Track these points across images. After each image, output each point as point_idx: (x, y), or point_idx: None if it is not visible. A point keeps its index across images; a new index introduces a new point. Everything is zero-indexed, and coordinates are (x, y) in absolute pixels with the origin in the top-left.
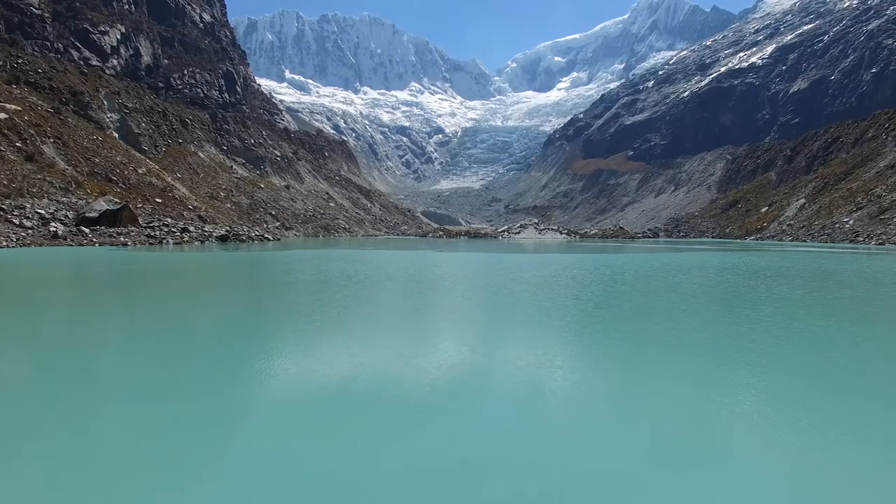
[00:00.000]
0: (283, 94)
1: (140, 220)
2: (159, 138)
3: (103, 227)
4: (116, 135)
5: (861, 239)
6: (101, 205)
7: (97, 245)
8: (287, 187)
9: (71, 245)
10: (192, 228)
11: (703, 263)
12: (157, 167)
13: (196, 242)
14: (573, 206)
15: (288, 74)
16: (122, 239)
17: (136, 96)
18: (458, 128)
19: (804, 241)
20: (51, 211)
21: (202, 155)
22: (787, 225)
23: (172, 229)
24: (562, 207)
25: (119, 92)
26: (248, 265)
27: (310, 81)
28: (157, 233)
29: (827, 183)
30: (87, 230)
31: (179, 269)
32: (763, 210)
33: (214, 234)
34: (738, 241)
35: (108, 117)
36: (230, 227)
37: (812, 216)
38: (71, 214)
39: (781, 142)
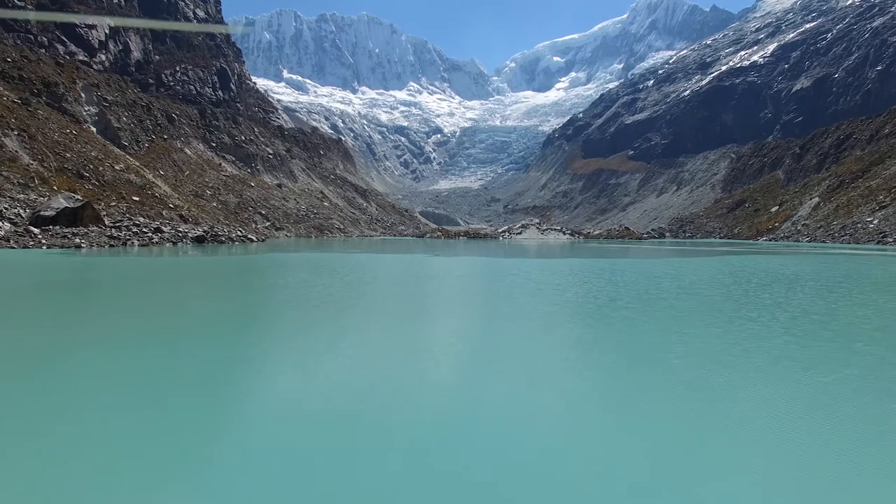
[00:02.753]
0: (281, 93)
1: (108, 219)
2: (142, 133)
3: (59, 228)
4: (94, 129)
5: (890, 240)
6: (60, 202)
7: (45, 248)
8: (279, 186)
9: (13, 248)
10: (165, 229)
11: (782, 271)
12: (137, 163)
13: (168, 244)
14: (573, 206)
15: (286, 74)
16: (76, 240)
17: (118, 89)
18: (456, 128)
19: (824, 241)
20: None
21: (189, 152)
22: (803, 225)
23: (144, 229)
24: (561, 207)
25: (98, 84)
26: (195, 274)
27: (308, 81)
28: (123, 233)
29: (843, 181)
30: (36, 231)
31: (102, 281)
32: (773, 210)
33: (190, 234)
34: (750, 241)
35: (85, 110)
36: (209, 228)
37: (830, 216)
38: (25, 213)
39: (789, 139)
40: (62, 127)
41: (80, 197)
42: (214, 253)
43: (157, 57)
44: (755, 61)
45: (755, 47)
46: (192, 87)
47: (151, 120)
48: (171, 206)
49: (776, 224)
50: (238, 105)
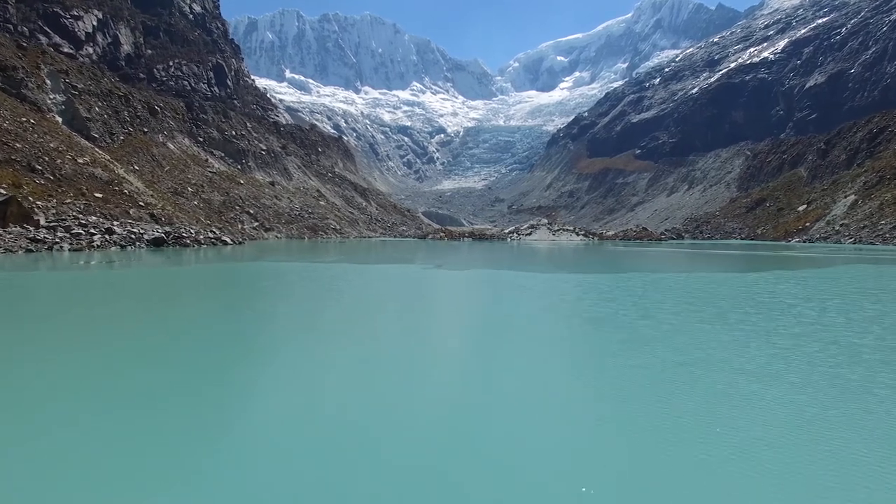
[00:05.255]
0: (284, 93)
1: (47, 216)
2: (117, 125)
3: None
4: (59, 119)
5: None
6: None
7: None
8: (272, 184)
9: None
10: (118, 229)
11: None
12: (106, 157)
13: (114, 248)
14: (579, 207)
15: (288, 74)
16: None
17: (92, 77)
18: (460, 127)
19: (872, 243)
20: None
21: (172, 146)
22: (841, 225)
23: (91, 230)
24: (567, 207)
25: (68, 71)
26: (61, 301)
27: (310, 81)
28: (57, 235)
29: (882, 177)
30: None
31: None
32: (801, 209)
33: (146, 236)
34: (780, 243)
35: (50, 98)
36: (173, 229)
37: (874, 214)
38: None
39: (811, 135)
40: (17, 115)
41: (3, 191)
42: (158, 262)
43: (149, 51)
44: (766, 58)
45: (765, 44)
46: (186, 82)
47: (130, 111)
48: (140, 203)
49: (807, 224)
50: (235, 102)
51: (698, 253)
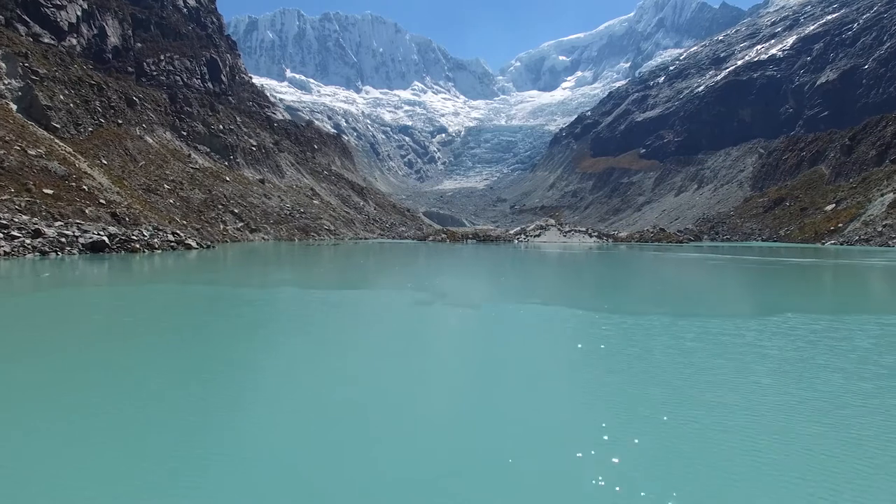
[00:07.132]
0: (284, 93)
1: None
2: (85, 116)
3: None
4: (13, 106)
5: None
6: None
7: None
8: (262, 181)
9: None
10: (48, 231)
11: None
12: (68, 150)
13: (32, 255)
14: (583, 207)
15: (289, 73)
16: None
17: (59, 63)
18: (461, 127)
19: None
20: None
21: (150, 140)
22: (884, 226)
23: (13, 233)
24: (571, 207)
25: (28, 54)
26: None
27: (311, 80)
28: None
29: None
30: None
31: None
32: (828, 208)
33: (80, 240)
34: (813, 245)
35: (4, 83)
36: (121, 230)
37: None
38: None
39: (831, 130)
40: None
41: None
42: (55, 279)
43: (138, 44)
44: (774, 55)
45: (772, 41)
46: (178, 77)
47: (103, 102)
48: (101, 201)
49: (839, 224)
50: (230, 98)
51: (759, 261)
